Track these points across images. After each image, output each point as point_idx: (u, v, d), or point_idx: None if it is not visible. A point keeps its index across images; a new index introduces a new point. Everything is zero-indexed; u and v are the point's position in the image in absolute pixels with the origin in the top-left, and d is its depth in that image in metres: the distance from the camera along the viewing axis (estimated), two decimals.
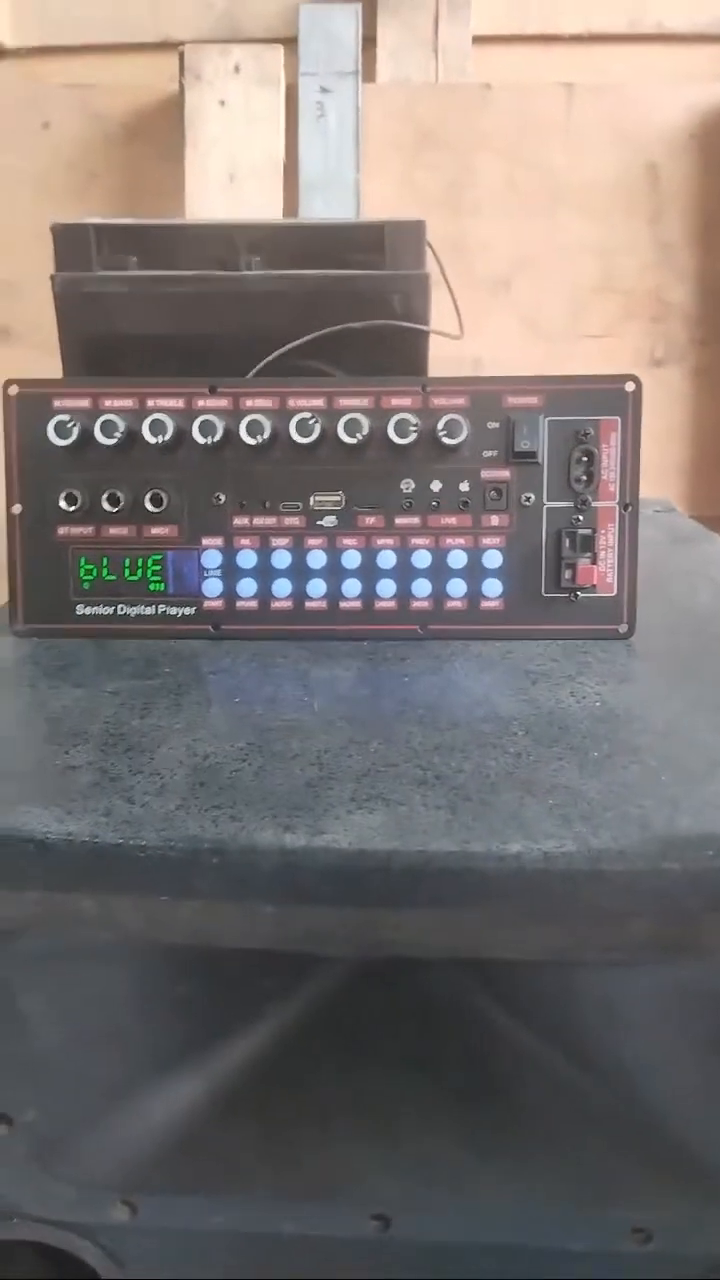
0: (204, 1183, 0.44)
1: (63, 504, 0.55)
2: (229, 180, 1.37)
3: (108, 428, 0.54)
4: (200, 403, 0.55)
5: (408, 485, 0.55)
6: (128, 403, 0.55)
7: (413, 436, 0.54)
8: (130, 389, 0.55)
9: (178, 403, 0.55)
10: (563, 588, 0.55)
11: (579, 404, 0.54)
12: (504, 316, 1.43)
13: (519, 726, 0.44)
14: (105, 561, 0.56)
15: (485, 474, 0.55)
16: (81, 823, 0.37)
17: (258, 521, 0.55)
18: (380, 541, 0.55)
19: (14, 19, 1.52)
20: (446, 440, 0.53)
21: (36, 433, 0.55)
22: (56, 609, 0.56)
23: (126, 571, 0.56)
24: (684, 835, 0.36)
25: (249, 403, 0.55)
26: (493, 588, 0.55)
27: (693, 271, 1.45)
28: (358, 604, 0.55)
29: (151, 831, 0.37)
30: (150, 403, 0.55)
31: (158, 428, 0.54)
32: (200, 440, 0.54)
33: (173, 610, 0.56)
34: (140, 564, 0.56)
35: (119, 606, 0.56)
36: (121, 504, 0.55)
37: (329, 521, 0.55)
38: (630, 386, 0.54)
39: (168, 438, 0.54)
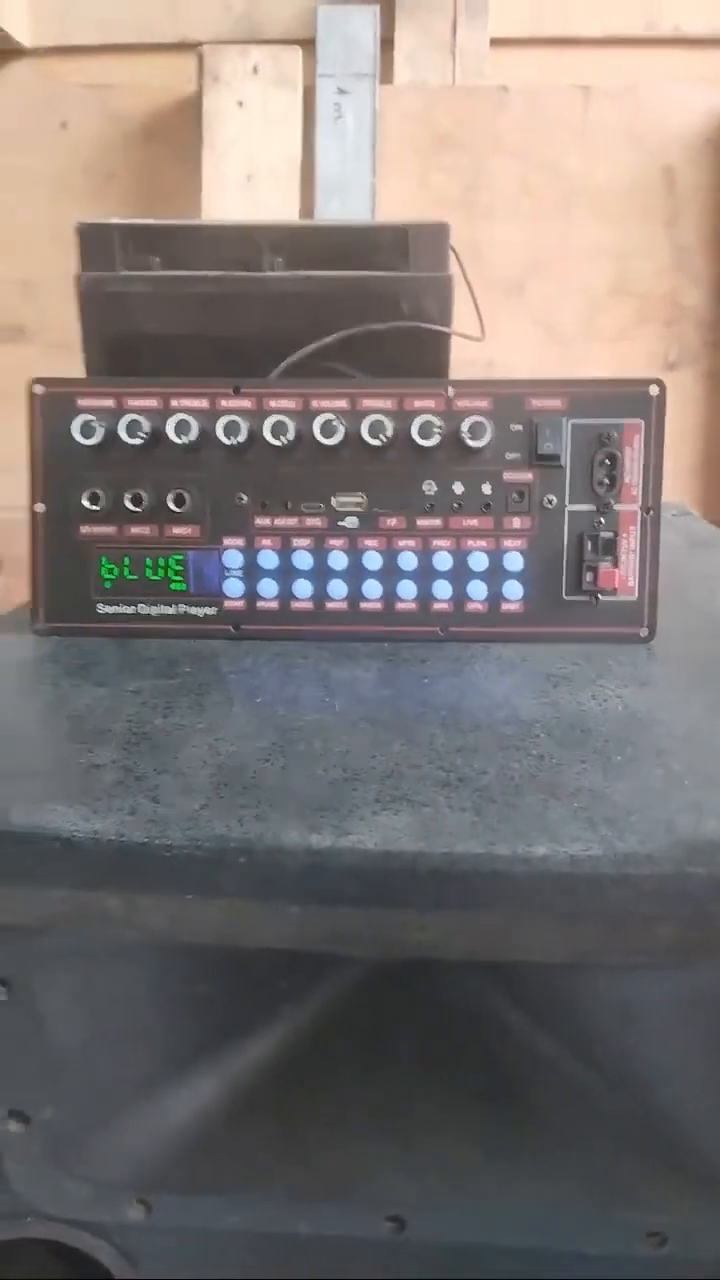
0: (219, 1182, 0.44)
1: (86, 503, 0.55)
2: (246, 181, 1.37)
3: (132, 427, 0.54)
4: (224, 403, 0.55)
5: (430, 487, 0.55)
6: (152, 402, 0.55)
7: (436, 438, 0.54)
8: (154, 389, 0.55)
9: (202, 403, 0.55)
10: (584, 591, 0.55)
11: (602, 407, 0.54)
12: (518, 319, 1.43)
13: (541, 729, 0.44)
14: (127, 561, 0.56)
15: (508, 476, 0.55)
16: (107, 821, 0.37)
17: (279, 522, 0.55)
18: (401, 543, 0.55)
19: (32, 18, 1.52)
20: (470, 442, 0.54)
21: (61, 432, 0.55)
22: (78, 608, 0.56)
23: (148, 571, 0.56)
24: (710, 839, 0.36)
25: (273, 403, 0.55)
26: (514, 590, 0.55)
27: (708, 275, 1.45)
28: (378, 605, 0.55)
29: (177, 831, 0.37)
30: (174, 403, 0.55)
31: (182, 428, 0.54)
32: (224, 440, 0.54)
33: (194, 610, 0.56)
34: (162, 564, 0.56)
35: (140, 606, 0.56)
36: (144, 503, 0.55)
37: (350, 522, 0.55)
38: (654, 390, 0.54)
39: (192, 438, 0.54)
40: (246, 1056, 0.43)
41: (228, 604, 0.56)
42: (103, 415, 0.55)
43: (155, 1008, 0.43)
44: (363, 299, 0.60)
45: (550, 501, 0.55)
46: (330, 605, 0.56)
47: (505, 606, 0.55)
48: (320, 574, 0.55)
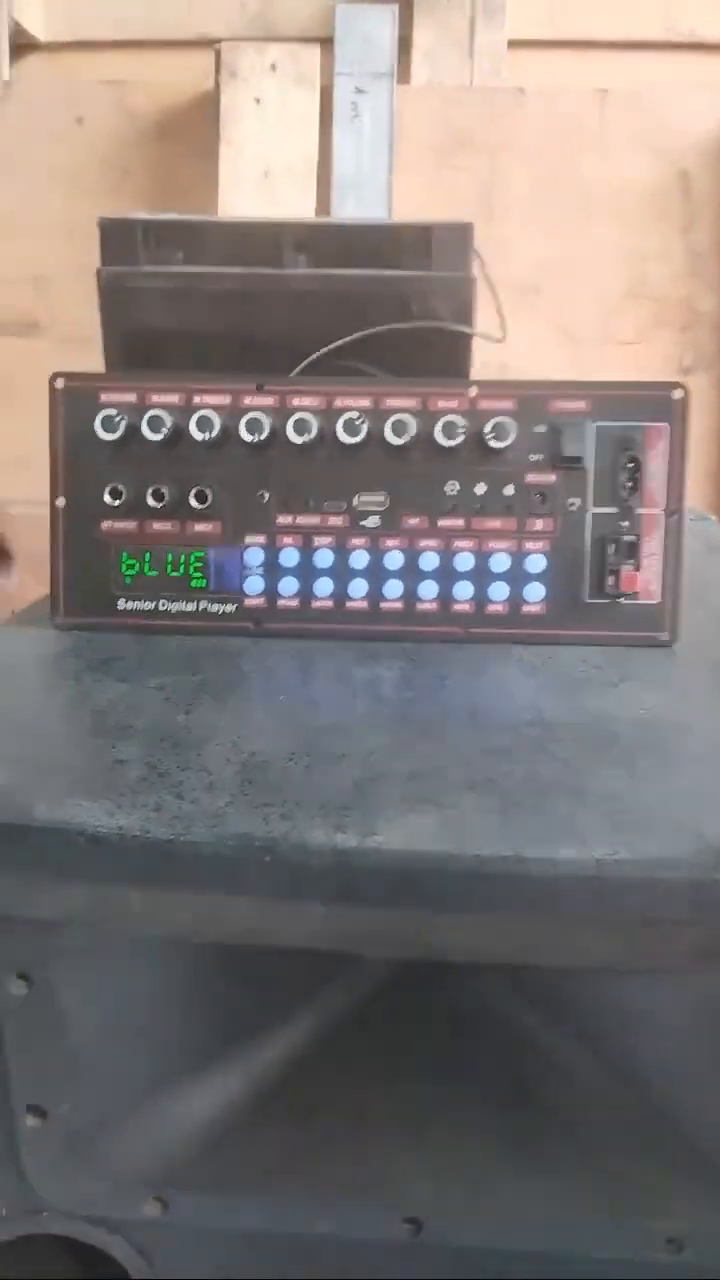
0: (236, 1181, 0.44)
1: (107, 498, 0.55)
2: (263, 178, 1.37)
3: (154, 423, 0.54)
4: (247, 400, 0.55)
5: (452, 487, 0.55)
6: (174, 399, 0.55)
7: (460, 439, 0.53)
8: (177, 385, 0.55)
9: (224, 400, 0.55)
10: (606, 594, 0.55)
11: (626, 410, 0.54)
12: (533, 322, 1.43)
13: (566, 732, 0.44)
14: (148, 557, 0.56)
15: (530, 478, 0.54)
16: (132, 817, 0.37)
17: (301, 520, 0.55)
18: (423, 543, 0.55)
19: (47, 13, 1.52)
20: (494, 443, 0.53)
21: (83, 427, 0.55)
22: (98, 603, 0.56)
23: (169, 567, 0.56)
24: None
25: (296, 401, 0.54)
26: (535, 592, 0.55)
27: None
28: (399, 605, 0.55)
29: (202, 828, 0.37)
30: (197, 399, 0.55)
31: (204, 424, 0.54)
32: (247, 438, 0.54)
33: (213, 607, 0.56)
34: (182, 560, 0.56)
35: (160, 602, 0.56)
36: (165, 500, 0.55)
37: (372, 522, 0.55)
38: (678, 394, 0.54)
39: (214, 435, 0.54)
40: (265, 1055, 0.42)
41: (248, 601, 0.56)
42: (125, 411, 0.55)
43: (175, 1005, 0.43)
44: (386, 298, 0.60)
45: (573, 504, 0.55)
46: (351, 604, 0.55)
47: (526, 608, 0.55)
48: (341, 573, 0.55)
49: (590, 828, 0.37)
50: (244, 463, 0.55)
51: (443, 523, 0.55)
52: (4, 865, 0.38)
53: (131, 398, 0.55)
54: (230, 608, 0.56)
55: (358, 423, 0.54)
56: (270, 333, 0.61)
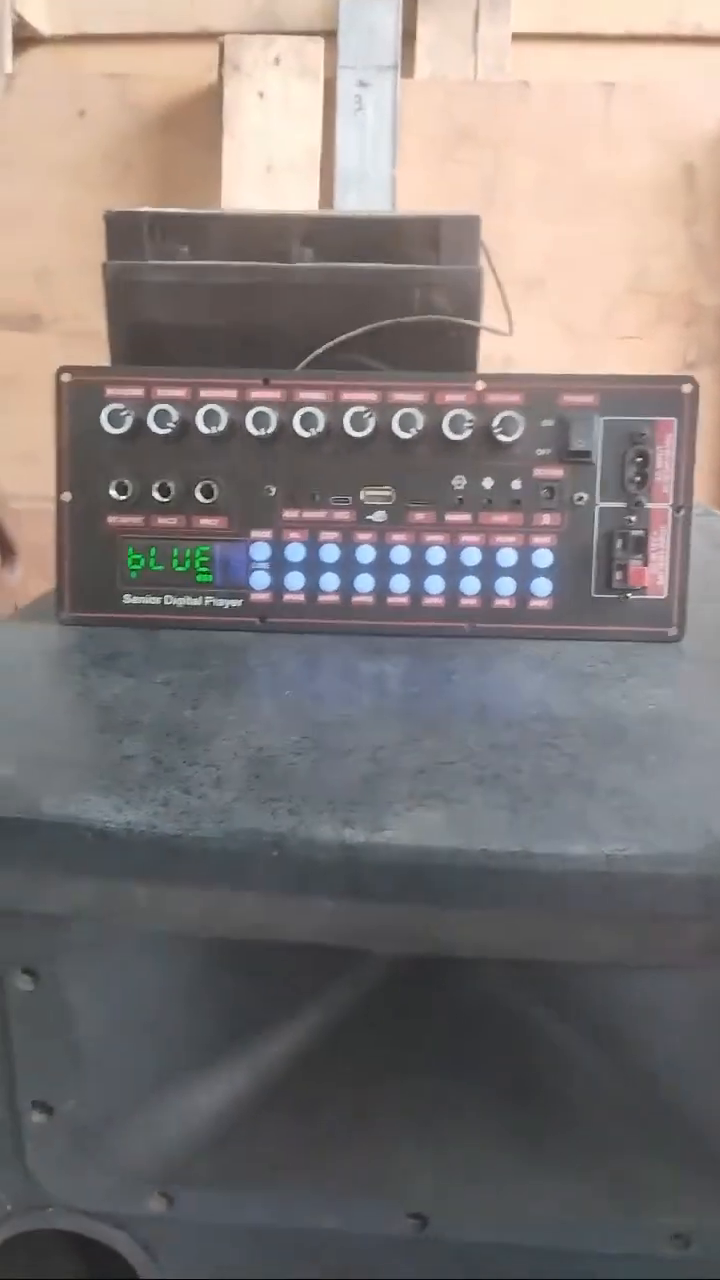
0: (242, 1176, 0.44)
1: (113, 493, 0.55)
2: (266, 171, 1.37)
3: (161, 417, 0.54)
4: (254, 394, 0.54)
5: (459, 482, 0.54)
6: (180, 393, 0.55)
7: (467, 433, 0.53)
8: (183, 379, 0.55)
9: (231, 394, 0.54)
10: (613, 589, 0.54)
11: (635, 404, 0.54)
12: (536, 315, 1.42)
13: (574, 727, 0.44)
14: (153, 551, 0.55)
15: (538, 472, 0.54)
16: (140, 812, 0.37)
17: (307, 515, 0.55)
18: (430, 538, 0.55)
19: (50, 6, 1.52)
20: (501, 437, 0.53)
21: (89, 421, 0.54)
22: (103, 598, 0.56)
23: (175, 562, 0.55)
24: None
25: (303, 395, 0.54)
26: (542, 587, 0.55)
27: None
28: (405, 600, 0.55)
29: (210, 823, 0.37)
30: (203, 393, 0.55)
31: (211, 418, 0.54)
32: (253, 432, 0.54)
33: (219, 602, 0.56)
34: (188, 555, 0.55)
35: (166, 597, 0.56)
36: (171, 494, 0.55)
37: (379, 516, 0.55)
38: (687, 388, 0.54)
39: (220, 429, 0.54)
40: (271, 1051, 0.42)
41: (254, 596, 0.56)
42: (131, 405, 0.54)
43: (181, 1000, 0.43)
44: (393, 291, 0.60)
45: (581, 498, 0.54)
46: (357, 599, 0.55)
47: (534, 603, 0.55)
48: (347, 567, 0.55)
49: (599, 823, 0.36)
50: (250, 457, 0.55)
51: (450, 517, 0.55)
52: (11, 860, 0.38)
53: (138, 392, 0.55)
54: (236, 602, 0.56)
55: (364, 417, 0.54)
56: (277, 326, 0.61)
